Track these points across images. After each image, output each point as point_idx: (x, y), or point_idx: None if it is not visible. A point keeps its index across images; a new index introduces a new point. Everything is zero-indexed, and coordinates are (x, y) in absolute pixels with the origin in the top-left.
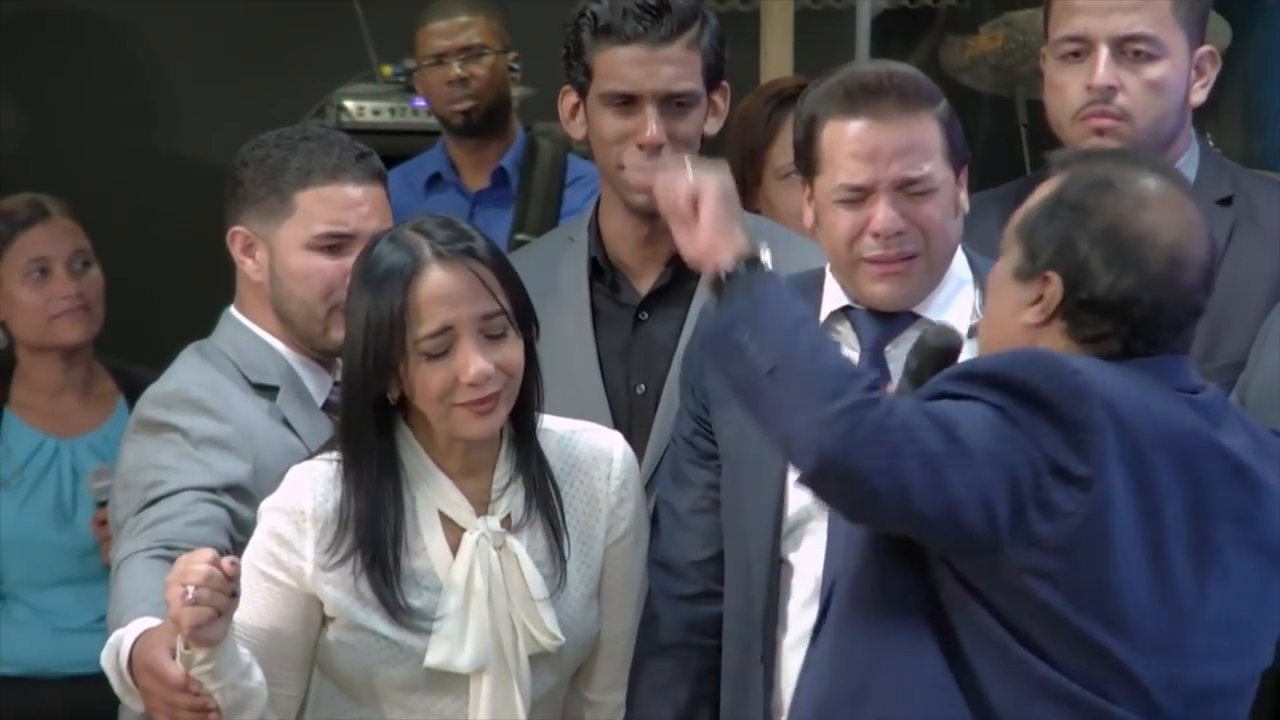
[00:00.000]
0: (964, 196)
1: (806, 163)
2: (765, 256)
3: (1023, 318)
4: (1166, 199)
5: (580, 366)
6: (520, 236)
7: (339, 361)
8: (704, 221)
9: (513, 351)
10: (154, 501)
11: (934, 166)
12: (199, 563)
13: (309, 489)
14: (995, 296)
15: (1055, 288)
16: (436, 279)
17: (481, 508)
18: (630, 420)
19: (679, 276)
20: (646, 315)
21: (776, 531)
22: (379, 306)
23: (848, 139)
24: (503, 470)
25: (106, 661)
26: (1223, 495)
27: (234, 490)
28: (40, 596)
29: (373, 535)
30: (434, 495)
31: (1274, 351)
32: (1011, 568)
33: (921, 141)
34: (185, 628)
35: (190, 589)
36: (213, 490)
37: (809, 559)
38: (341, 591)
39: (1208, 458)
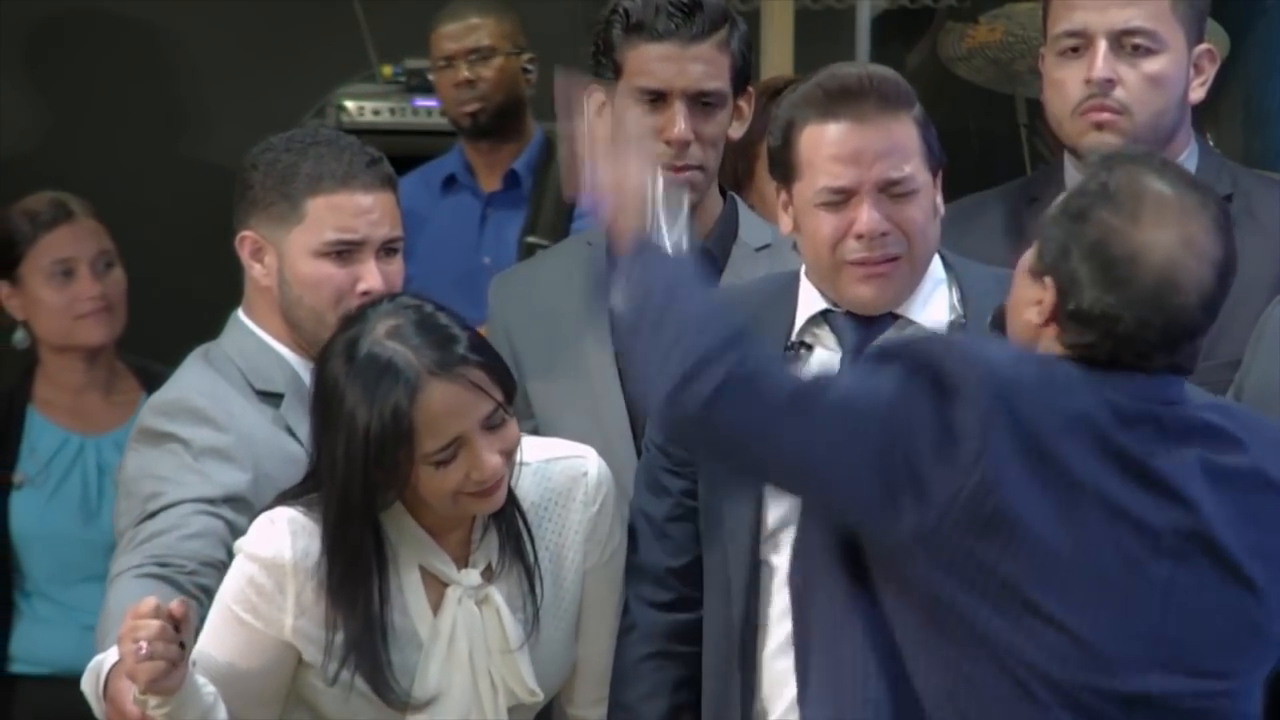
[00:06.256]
0: (940, 200)
1: (784, 169)
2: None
3: (1028, 315)
4: (1165, 214)
5: (598, 373)
6: (531, 239)
7: None
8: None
9: (512, 431)
10: (152, 514)
11: (914, 168)
12: (147, 614)
13: (289, 542)
14: (1016, 285)
15: (1050, 295)
16: (439, 398)
17: (462, 561)
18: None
19: None
20: None
21: (756, 535)
22: (380, 424)
23: (828, 141)
24: (480, 519)
25: (86, 685)
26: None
27: (233, 501)
28: (67, 593)
29: (369, 647)
30: (416, 553)
31: (1270, 351)
32: (922, 570)
33: (902, 143)
34: (142, 683)
35: (144, 644)
36: (211, 502)
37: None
38: (321, 651)
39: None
